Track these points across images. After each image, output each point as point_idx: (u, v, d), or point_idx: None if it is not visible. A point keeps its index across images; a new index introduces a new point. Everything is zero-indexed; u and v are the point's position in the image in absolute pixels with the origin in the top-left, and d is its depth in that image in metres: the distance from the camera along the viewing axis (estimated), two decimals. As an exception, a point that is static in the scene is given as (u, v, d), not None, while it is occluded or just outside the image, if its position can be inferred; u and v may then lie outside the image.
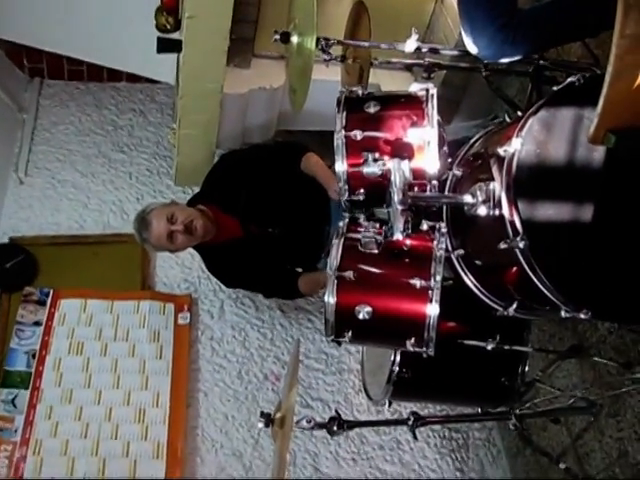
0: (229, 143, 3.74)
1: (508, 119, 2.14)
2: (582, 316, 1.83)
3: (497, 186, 1.83)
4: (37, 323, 3.27)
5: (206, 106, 3.42)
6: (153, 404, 3.14)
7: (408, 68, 3.77)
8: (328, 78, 2.93)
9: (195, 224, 2.87)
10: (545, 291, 1.82)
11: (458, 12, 2.34)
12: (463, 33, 2.35)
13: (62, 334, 3.27)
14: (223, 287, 3.43)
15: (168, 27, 3.40)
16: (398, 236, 1.82)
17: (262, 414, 2.19)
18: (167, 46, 3.23)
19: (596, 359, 2.61)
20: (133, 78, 4.31)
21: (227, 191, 3.09)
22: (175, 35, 3.38)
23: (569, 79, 1.87)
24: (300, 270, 3.15)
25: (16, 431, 2.98)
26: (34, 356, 3.18)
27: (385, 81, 3.55)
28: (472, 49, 2.35)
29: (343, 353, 3.43)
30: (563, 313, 1.87)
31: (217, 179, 3.18)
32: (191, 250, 3.22)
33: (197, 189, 3.32)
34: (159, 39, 3.24)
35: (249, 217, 3.05)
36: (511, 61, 2.38)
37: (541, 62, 2.58)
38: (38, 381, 3.11)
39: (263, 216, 3.05)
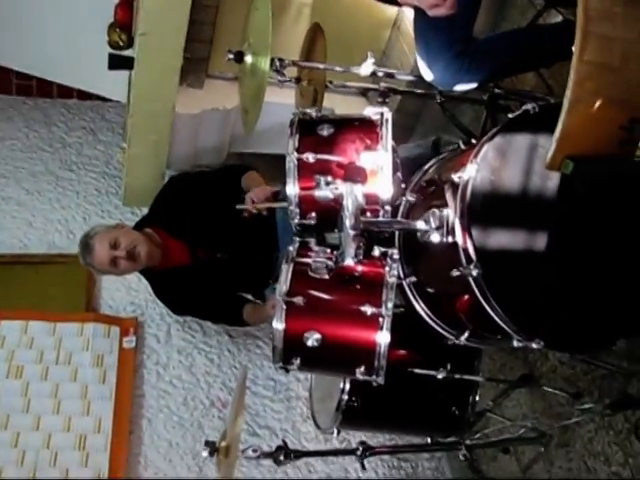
0: (180, 164, 3.69)
1: (463, 146, 2.12)
2: (534, 346, 1.81)
3: (451, 213, 1.81)
4: (-26, 345, 3.15)
5: (157, 126, 3.37)
6: (94, 430, 3.02)
7: (363, 93, 3.78)
8: (282, 101, 2.92)
9: (139, 250, 2.84)
10: (498, 320, 1.79)
11: (414, 39, 2.34)
12: (418, 60, 2.35)
13: (1, 357, 3.14)
14: (172, 313, 3.35)
15: (121, 44, 3.37)
16: (349, 262, 1.78)
17: (207, 443, 2.12)
18: (118, 63, 3.18)
19: (546, 389, 2.60)
20: (84, 95, 4.25)
21: (175, 214, 3.05)
22: (128, 52, 3.33)
23: (524, 107, 1.86)
24: (249, 296, 3.10)
25: (-53, 459, 2.85)
26: (-31, 380, 3.05)
27: (339, 105, 3.53)
28: (427, 76, 2.35)
29: (292, 380, 3.37)
30: (515, 342, 1.84)
31: (165, 202, 3.13)
32: (138, 273, 3.15)
33: (146, 210, 3.25)
34: (110, 55, 3.20)
35: (197, 241, 3.00)
36: (466, 89, 2.38)
37: (496, 90, 2.59)
38: (-27, 406, 2.99)
39: (211, 240, 3.00)
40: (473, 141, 2.08)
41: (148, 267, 2.96)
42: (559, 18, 2.62)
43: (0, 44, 3.63)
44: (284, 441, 2.31)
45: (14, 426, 2.98)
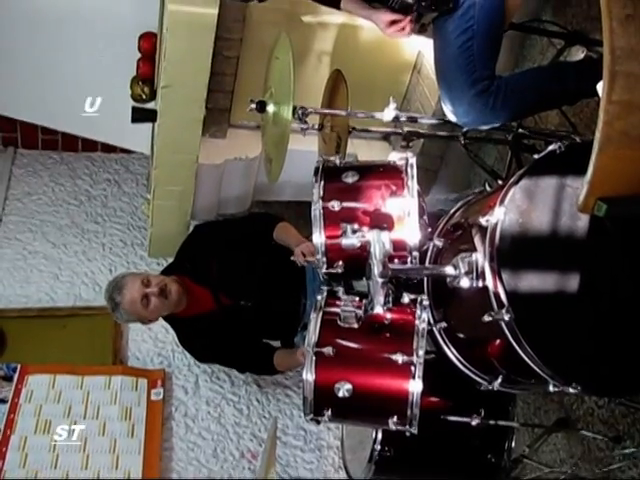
0: (204, 214, 3.70)
1: (488, 188, 2.11)
2: (571, 390, 1.77)
3: (480, 257, 1.79)
4: (2, 400, 3.13)
5: (181, 177, 3.39)
6: (124, 485, 2.99)
7: (385, 137, 3.78)
8: (305, 148, 2.92)
9: (169, 288, 2.84)
10: (532, 365, 1.76)
11: (436, 79, 2.34)
12: (442, 100, 2.34)
13: (28, 412, 3.12)
14: (197, 361, 3.33)
15: (143, 97, 3.41)
16: (378, 310, 1.75)
17: (238, 497, 2.09)
18: (141, 116, 3.21)
19: (584, 433, 2.54)
20: (108, 148, 4.29)
21: (200, 262, 3.04)
22: (150, 105, 3.37)
23: (550, 147, 1.84)
24: (277, 343, 3.07)
25: (-24, 518, 2.82)
26: (-3, 436, 3.03)
27: (362, 150, 3.54)
28: (451, 116, 2.34)
29: (322, 429, 3.32)
30: (551, 387, 1.81)
31: (190, 250, 3.13)
32: (165, 323, 3.14)
33: (171, 260, 3.25)
34: (134, 108, 3.23)
35: (221, 289, 2.99)
36: (490, 128, 2.37)
37: (520, 130, 2.58)
38: (1, 462, 2.94)
39: (236, 288, 2.99)
40: (499, 182, 2.07)
41: (173, 314, 2.95)
42: (580, 57, 2.61)
43: (26, 101, 3.68)
44: (316, 493, 2.27)
45: (43, 482, 2.96)
